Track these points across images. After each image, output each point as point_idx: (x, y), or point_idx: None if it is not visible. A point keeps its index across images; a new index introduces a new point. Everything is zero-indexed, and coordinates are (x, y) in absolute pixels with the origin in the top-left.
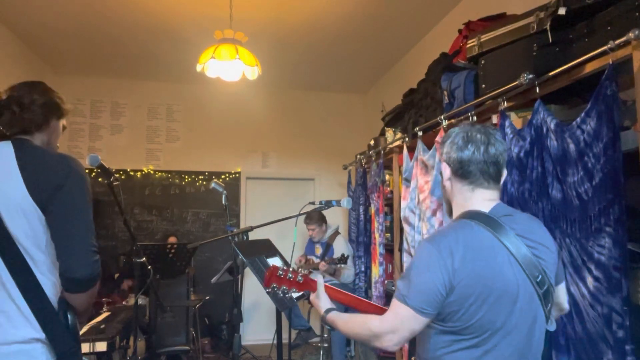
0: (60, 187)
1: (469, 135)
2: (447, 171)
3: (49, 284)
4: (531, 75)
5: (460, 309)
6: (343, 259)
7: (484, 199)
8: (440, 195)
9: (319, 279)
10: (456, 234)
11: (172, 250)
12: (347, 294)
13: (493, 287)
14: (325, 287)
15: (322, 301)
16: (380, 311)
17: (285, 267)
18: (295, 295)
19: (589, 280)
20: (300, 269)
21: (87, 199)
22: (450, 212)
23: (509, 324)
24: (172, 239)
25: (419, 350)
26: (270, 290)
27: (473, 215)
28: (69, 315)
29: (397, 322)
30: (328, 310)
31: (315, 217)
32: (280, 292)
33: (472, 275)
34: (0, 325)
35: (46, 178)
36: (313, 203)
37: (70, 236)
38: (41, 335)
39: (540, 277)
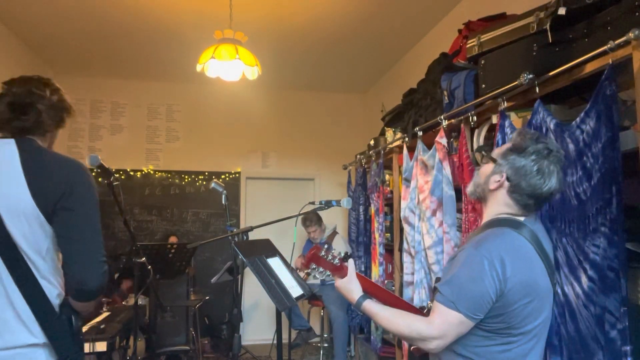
0: (68, 195)
1: (548, 171)
2: (505, 184)
3: (51, 288)
4: (531, 75)
5: (504, 313)
6: (345, 258)
7: (524, 214)
8: (439, 195)
9: (350, 263)
10: (505, 243)
11: (172, 250)
12: (377, 285)
13: (534, 295)
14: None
15: (355, 286)
16: (412, 309)
17: (325, 248)
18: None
19: (584, 280)
20: (337, 253)
21: (95, 207)
22: (474, 195)
23: (539, 328)
24: (172, 239)
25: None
26: (309, 270)
27: (513, 224)
28: (73, 319)
29: (446, 328)
30: (363, 297)
31: (315, 219)
32: (316, 274)
33: (520, 283)
34: None
35: (52, 185)
36: (313, 203)
37: (80, 247)
38: (41, 340)
39: (554, 281)
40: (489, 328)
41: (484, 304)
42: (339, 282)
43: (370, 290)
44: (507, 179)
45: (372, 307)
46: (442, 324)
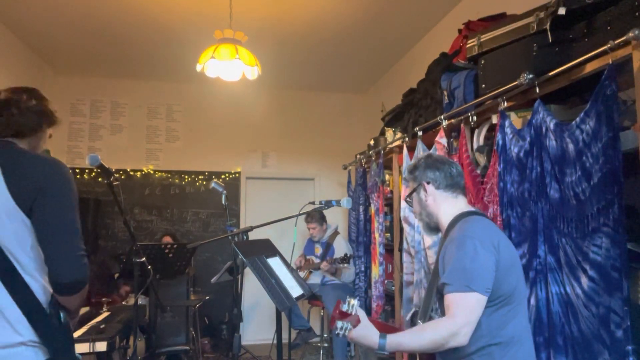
0: (43, 191)
1: (438, 159)
2: (429, 189)
3: (37, 285)
4: (531, 75)
5: (504, 281)
6: (346, 259)
7: (465, 203)
8: None
9: (360, 311)
10: (479, 224)
11: (172, 251)
12: (381, 322)
13: (515, 263)
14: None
15: (372, 330)
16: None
17: (345, 301)
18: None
19: (584, 281)
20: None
21: (72, 201)
22: (430, 229)
23: (525, 291)
24: (166, 239)
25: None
26: (339, 330)
27: (474, 213)
28: (61, 315)
29: (468, 312)
30: (383, 336)
31: (316, 216)
32: (343, 331)
33: (506, 253)
34: None
35: (28, 181)
36: (313, 203)
37: (56, 241)
38: (27, 338)
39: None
40: (500, 301)
41: (490, 275)
42: (354, 333)
43: (381, 330)
44: (428, 182)
45: (395, 339)
46: (464, 310)
